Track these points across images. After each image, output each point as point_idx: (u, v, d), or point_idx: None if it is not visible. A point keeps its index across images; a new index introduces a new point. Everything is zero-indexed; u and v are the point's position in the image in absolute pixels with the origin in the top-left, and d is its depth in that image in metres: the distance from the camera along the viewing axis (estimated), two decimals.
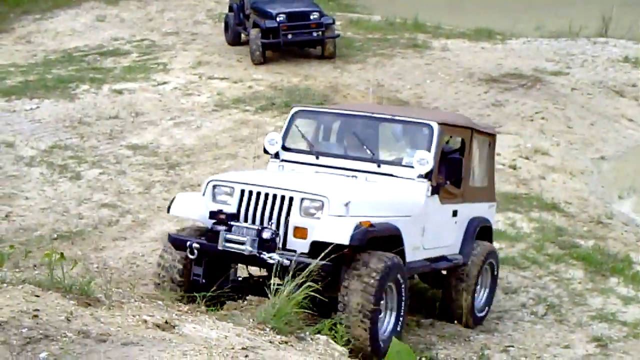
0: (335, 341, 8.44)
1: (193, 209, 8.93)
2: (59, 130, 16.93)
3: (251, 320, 7.05)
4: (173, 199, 9.22)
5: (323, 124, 10.37)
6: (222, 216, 8.49)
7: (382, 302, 9.21)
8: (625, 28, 24.87)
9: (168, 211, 9.23)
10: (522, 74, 21.66)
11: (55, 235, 12.29)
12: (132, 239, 12.45)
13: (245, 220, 8.54)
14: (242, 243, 8.29)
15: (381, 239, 8.73)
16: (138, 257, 11.76)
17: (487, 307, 10.96)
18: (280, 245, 8.36)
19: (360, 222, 8.24)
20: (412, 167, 9.36)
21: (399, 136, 10.39)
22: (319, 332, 8.73)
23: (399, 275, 9.30)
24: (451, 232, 10.28)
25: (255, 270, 9.11)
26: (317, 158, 9.79)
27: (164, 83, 19.87)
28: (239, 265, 9.12)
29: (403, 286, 9.35)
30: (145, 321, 5.68)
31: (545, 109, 19.64)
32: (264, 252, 8.19)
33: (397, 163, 9.58)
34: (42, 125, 17.16)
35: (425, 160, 9.28)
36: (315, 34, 21.34)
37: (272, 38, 21.05)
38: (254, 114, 18.19)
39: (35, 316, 4.97)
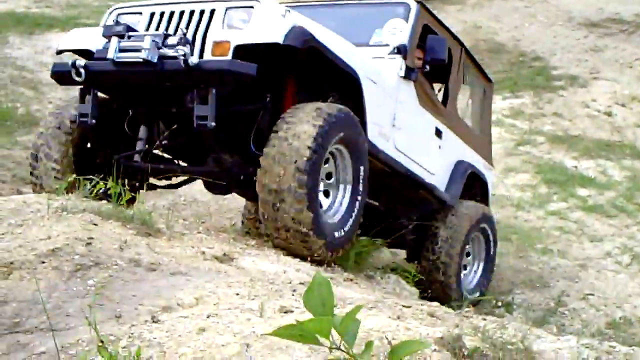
0: (406, 281, 8.47)
1: (88, 40, 7.15)
2: None
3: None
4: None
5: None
6: (119, 28, 6.70)
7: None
8: None
9: (57, 52, 7.49)
10: (623, 19, 21.07)
11: None
12: None
13: None
14: (139, 50, 6.50)
15: (328, 76, 7.19)
16: None
17: (480, 289, 9.45)
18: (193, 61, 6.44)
19: (301, 26, 6.62)
20: (383, 45, 8.02)
21: (368, 20, 8.57)
22: (393, 270, 8.79)
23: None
24: (433, 155, 8.88)
25: None
26: None
27: None
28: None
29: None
30: (204, 252, 5.77)
31: None
32: (164, 49, 6.50)
33: (363, 44, 8.01)
34: None
35: (399, 29, 7.99)
36: None
37: None
38: None
39: (89, 244, 5.08)
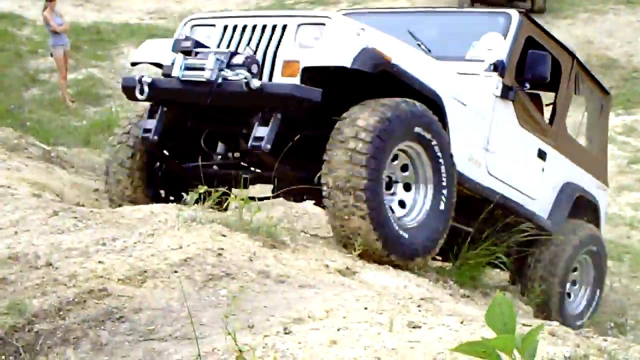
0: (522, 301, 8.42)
1: (160, 53, 7.02)
2: None
3: (434, 273, 7.12)
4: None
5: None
6: (187, 43, 6.59)
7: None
8: None
9: (132, 64, 7.66)
10: None
11: None
12: None
13: None
14: (202, 69, 6.39)
15: (410, 96, 6.62)
16: None
17: (586, 314, 8.90)
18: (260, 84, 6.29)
19: (374, 48, 6.29)
20: (479, 61, 7.56)
21: (466, 31, 8.09)
22: (504, 289, 8.74)
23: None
24: (535, 180, 8.26)
25: None
26: None
27: None
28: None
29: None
30: (327, 266, 5.85)
31: None
32: (227, 71, 6.34)
33: (459, 58, 7.60)
34: None
35: (495, 44, 7.52)
36: None
37: None
38: None
39: (220, 254, 5.21)
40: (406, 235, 6.52)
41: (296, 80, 6.21)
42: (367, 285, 5.71)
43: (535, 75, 7.49)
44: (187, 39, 6.66)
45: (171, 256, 5.17)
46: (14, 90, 16.50)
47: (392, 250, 6.42)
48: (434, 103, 6.78)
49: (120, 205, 6.98)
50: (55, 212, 6.07)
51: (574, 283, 8.80)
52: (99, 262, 5.11)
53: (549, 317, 8.05)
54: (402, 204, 6.74)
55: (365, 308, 4.76)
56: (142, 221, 6.13)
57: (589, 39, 20.08)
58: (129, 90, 6.83)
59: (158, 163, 7.30)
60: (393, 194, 6.68)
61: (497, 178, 7.66)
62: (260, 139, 6.22)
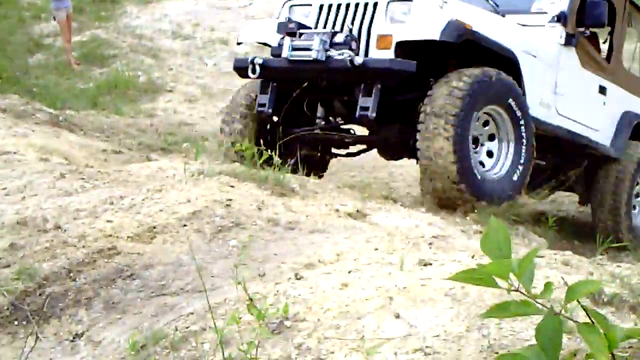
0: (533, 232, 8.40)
1: (265, 34, 8.00)
2: None
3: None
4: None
5: None
6: (292, 25, 7.55)
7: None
8: None
9: (238, 43, 8.65)
10: None
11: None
12: None
13: None
14: (309, 49, 7.32)
15: (488, 56, 7.59)
16: None
17: None
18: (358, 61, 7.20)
19: (456, 19, 7.17)
20: (543, 13, 8.33)
21: None
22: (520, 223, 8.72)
23: None
24: (597, 113, 9.08)
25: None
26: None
27: None
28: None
29: None
30: (337, 210, 5.83)
31: None
32: (332, 50, 7.28)
33: (524, 11, 8.41)
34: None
35: None
36: None
37: None
38: None
39: (228, 205, 5.19)
40: (485, 180, 7.40)
41: (390, 52, 7.19)
42: (378, 227, 5.68)
43: (594, 21, 8.35)
44: (290, 21, 7.60)
45: (180, 210, 5.16)
46: (19, 56, 16.45)
47: (475, 193, 7.25)
48: (510, 60, 7.67)
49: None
50: (63, 175, 6.06)
51: (637, 196, 9.63)
52: (108, 221, 5.11)
53: (619, 235, 8.92)
54: (489, 154, 7.66)
55: (376, 249, 4.74)
56: (150, 178, 6.12)
57: None
58: (241, 70, 7.75)
59: (268, 129, 8.17)
60: (478, 151, 7.56)
61: (565, 117, 8.52)
62: (366, 108, 7.18)
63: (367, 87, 7.18)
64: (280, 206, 5.47)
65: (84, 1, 19.65)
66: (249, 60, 7.59)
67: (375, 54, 7.27)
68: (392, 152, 8.31)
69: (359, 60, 7.05)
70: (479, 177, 7.28)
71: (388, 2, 7.33)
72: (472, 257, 4.61)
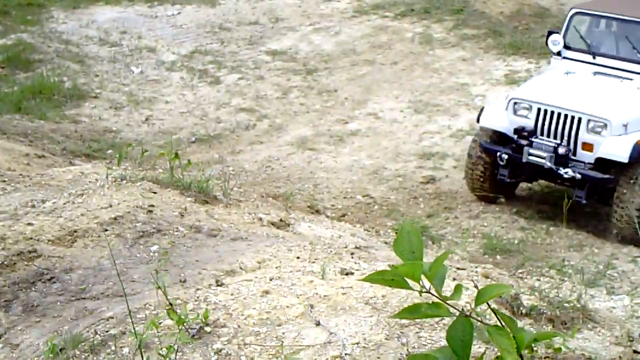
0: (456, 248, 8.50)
1: (498, 121, 10.38)
2: (200, 36, 17.20)
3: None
4: (482, 109, 10.71)
5: (598, 26, 11.20)
6: (525, 133, 10.03)
7: None
8: None
9: (478, 121, 10.62)
10: None
11: (194, 139, 12.62)
12: (268, 143, 12.65)
13: (542, 134, 9.99)
14: (543, 158, 9.85)
15: None
16: (273, 161, 11.95)
17: None
18: (571, 156, 9.83)
19: (637, 142, 9.45)
20: None
21: None
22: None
23: None
24: None
25: None
26: (594, 58, 10.69)
27: None
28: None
29: None
30: (260, 219, 5.85)
31: None
32: (560, 167, 9.75)
33: None
34: (183, 30, 17.47)
35: None
36: None
37: None
38: (392, 20, 18.06)
39: (150, 211, 5.18)
40: None
41: (591, 155, 9.70)
42: (301, 237, 5.72)
43: None
44: (523, 129, 10.02)
45: (101, 215, 5.13)
46: None
47: None
48: None
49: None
50: None
51: None
52: (28, 224, 5.05)
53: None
54: None
55: (298, 258, 4.77)
56: (72, 182, 6.07)
57: None
58: (490, 154, 10.29)
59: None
60: None
61: None
62: (580, 196, 9.88)
63: (580, 187, 9.87)
64: (203, 213, 5.47)
65: (10, 4, 19.36)
66: (498, 153, 10.11)
67: (581, 153, 9.78)
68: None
69: (577, 176, 9.65)
70: None
71: (588, 120, 9.67)
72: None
